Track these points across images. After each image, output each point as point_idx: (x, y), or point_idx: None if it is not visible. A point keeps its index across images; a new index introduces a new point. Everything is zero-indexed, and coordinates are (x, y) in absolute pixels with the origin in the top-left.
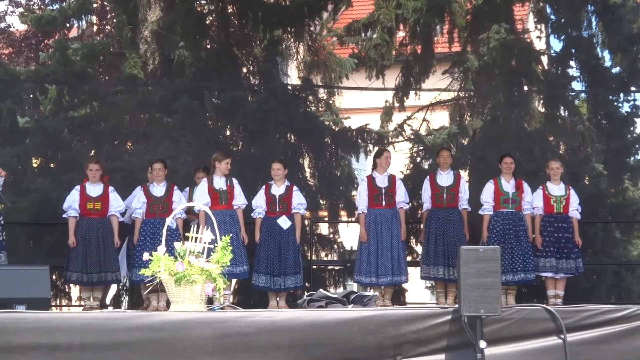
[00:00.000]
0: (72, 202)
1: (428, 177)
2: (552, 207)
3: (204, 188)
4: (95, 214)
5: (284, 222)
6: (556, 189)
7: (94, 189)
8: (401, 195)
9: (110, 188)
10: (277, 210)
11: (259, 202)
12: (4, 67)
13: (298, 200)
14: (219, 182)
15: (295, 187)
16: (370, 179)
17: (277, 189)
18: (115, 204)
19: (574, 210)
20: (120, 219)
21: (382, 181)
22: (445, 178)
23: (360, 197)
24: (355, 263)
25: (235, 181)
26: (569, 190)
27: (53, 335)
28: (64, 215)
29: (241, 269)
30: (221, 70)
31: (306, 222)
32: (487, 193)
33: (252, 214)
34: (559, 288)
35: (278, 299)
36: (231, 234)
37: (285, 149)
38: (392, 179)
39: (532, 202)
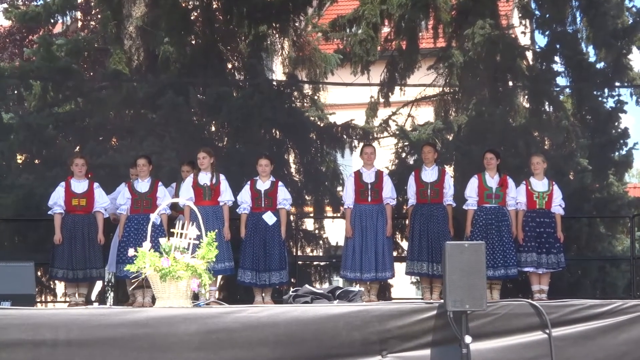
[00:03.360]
0: (57, 198)
1: (413, 172)
2: (535, 203)
3: (188, 183)
4: (81, 211)
5: (269, 218)
6: (539, 184)
7: (79, 186)
8: (388, 191)
9: (95, 184)
10: (263, 205)
11: (244, 197)
12: None
13: (283, 195)
14: (204, 178)
15: (280, 183)
16: (357, 175)
17: (263, 185)
18: (101, 200)
19: (557, 205)
20: (106, 215)
21: (368, 177)
22: (429, 174)
23: (347, 192)
24: (342, 258)
25: (222, 177)
26: (552, 185)
27: (38, 331)
28: (49, 212)
29: (223, 265)
30: (206, 66)
31: (291, 217)
32: (471, 188)
33: (237, 210)
34: (543, 283)
35: (263, 294)
36: (215, 230)
37: (271, 144)
38: (379, 174)
39: (516, 197)
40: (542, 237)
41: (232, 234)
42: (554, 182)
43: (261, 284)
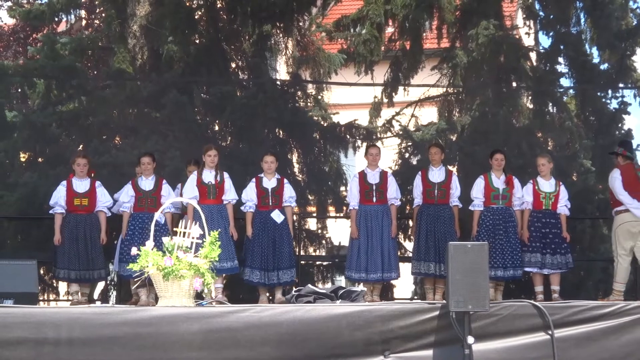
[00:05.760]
0: (58, 198)
1: (420, 172)
2: (541, 203)
3: (192, 181)
4: (82, 210)
5: (277, 216)
6: (546, 185)
7: (81, 185)
8: (392, 192)
9: (97, 183)
10: (270, 204)
11: (250, 195)
12: None
13: (289, 193)
14: (208, 176)
15: (286, 180)
16: (362, 175)
17: (269, 182)
18: (103, 199)
19: (563, 206)
20: (108, 215)
21: (373, 177)
22: (436, 174)
23: (352, 193)
24: (347, 259)
25: (226, 175)
26: (559, 186)
27: (40, 329)
28: (50, 212)
29: (231, 264)
30: (210, 65)
31: (295, 217)
32: (478, 189)
33: (242, 208)
34: (554, 283)
35: (275, 292)
36: (219, 229)
37: (274, 144)
38: (383, 175)
39: (522, 196)
40: (548, 237)
41: (237, 233)
42: (560, 183)
43: (270, 283)
